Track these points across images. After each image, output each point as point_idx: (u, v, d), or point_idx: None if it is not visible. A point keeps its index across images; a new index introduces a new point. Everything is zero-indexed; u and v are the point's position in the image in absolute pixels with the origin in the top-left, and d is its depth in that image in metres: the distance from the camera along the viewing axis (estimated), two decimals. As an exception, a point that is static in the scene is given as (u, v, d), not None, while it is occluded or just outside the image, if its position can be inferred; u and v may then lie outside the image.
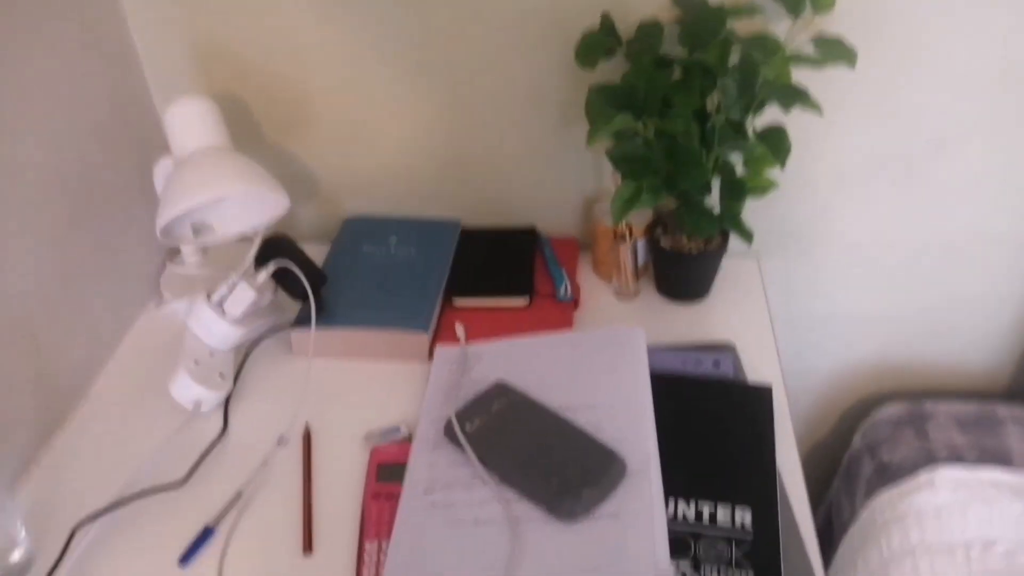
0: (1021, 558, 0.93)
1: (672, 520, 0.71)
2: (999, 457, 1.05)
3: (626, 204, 0.78)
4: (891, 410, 1.15)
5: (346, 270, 0.99)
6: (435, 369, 0.88)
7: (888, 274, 1.09)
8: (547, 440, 0.76)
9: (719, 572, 0.68)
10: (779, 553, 0.69)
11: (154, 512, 0.78)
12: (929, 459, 1.05)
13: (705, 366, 0.87)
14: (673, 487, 0.73)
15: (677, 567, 0.68)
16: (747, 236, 0.86)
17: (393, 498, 0.76)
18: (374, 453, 0.81)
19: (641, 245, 0.98)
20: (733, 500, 0.73)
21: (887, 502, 1.03)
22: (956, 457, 1.05)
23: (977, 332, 1.15)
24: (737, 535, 0.70)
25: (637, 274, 0.99)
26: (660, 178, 0.79)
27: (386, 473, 0.79)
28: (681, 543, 0.70)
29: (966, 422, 1.10)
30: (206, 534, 0.76)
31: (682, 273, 0.96)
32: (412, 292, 0.95)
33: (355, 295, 0.95)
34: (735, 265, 1.03)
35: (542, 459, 0.74)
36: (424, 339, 0.90)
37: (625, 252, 0.95)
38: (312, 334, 0.90)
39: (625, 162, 0.78)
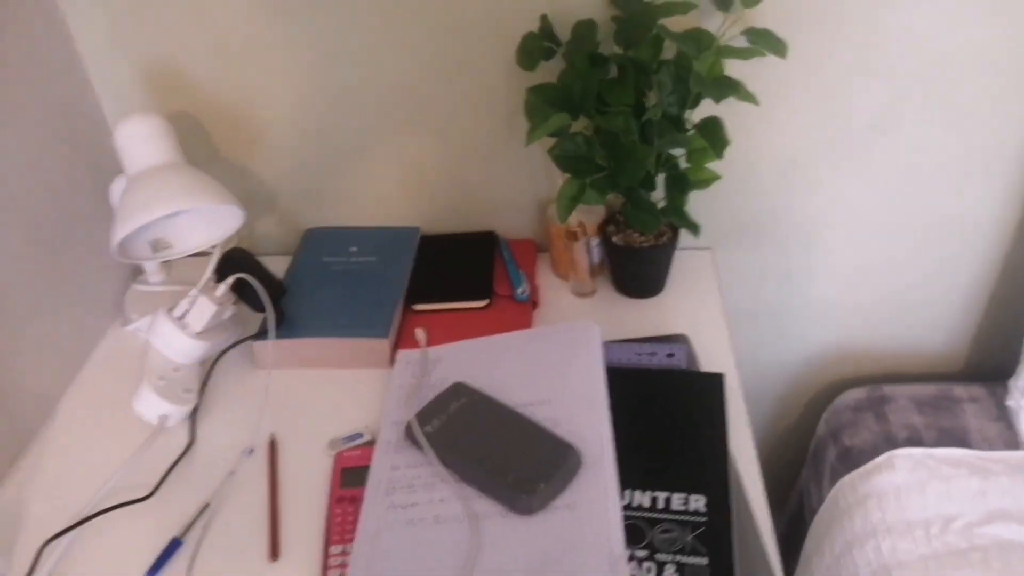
0: (979, 531, 0.95)
1: (627, 509, 0.73)
2: (956, 436, 1.07)
3: (570, 202, 0.80)
4: (852, 395, 1.17)
5: (307, 281, 1.00)
6: (396, 373, 0.90)
7: (842, 260, 1.12)
8: (504, 437, 0.78)
9: (674, 557, 0.69)
10: (731, 536, 0.70)
11: (122, 527, 0.79)
12: (888, 441, 1.08)
13: (659, 358, 0.89)
14: (629, 478, 0.75)
15: (632, 555, 0.70)
16: (693, 229, 0.89)
17: (357, 502, 0.77)
18: (338, 459, 0.82)
19: (595, 243, 1.00)
20: (687, 488, 0.74)
21: (849, 485, 1.05)
22: (915, 438, 1.07)
23: (933, 315, 1.18)
24: (691, 521, 0.72)
25: (593, 272, 1.00)
26: (603, 175, 0.81)
27: (350, 478, 0.80)
28: (636, 531, 0.71)
29: (924, 403, 1.13)
30: (174, 546, 0.77)
31: (636, 268, 0.98)
32: (373, 300, 0.96)
33: (316, 305, 0.96)
34: (689, 258, 1.05)
35: (500, 455, 0.76)
36: (385, 345, 0.92)
37: (579, 250, 0.97)
38: (272, 345, 0.91)
39: (567, 160, 0.80)
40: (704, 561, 0.69)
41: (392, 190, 1.07)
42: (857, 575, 0.96)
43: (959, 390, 1.14)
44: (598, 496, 0.72)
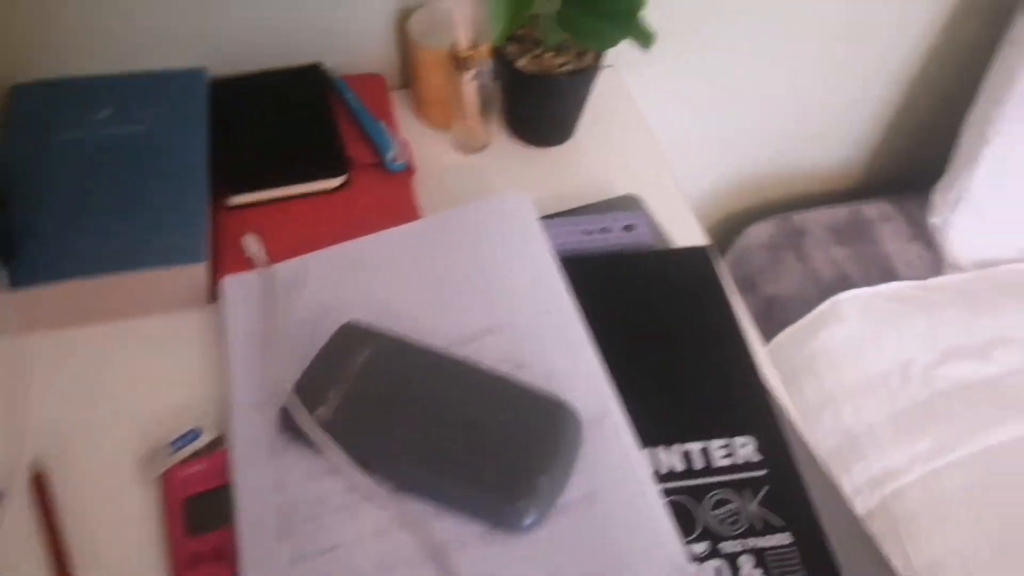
0: (936, 373, 0.84)
1: (658, 478, 0.49)
2: (881, 265, 0.94)
3: (519, 4, 0.48)
4: (761, 231, 1.00)
5: (34, 177, 0.59)
6: (231, 315, 0.56)
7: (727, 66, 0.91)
8: (454, 405, 0.49)
9: (744, 541, 0.47)
10: (805, 486, 0.50)
11: None
12: (818, 284, 0.92)
13: (615, 234, 0.63)
14: (640, 431, 0.51)
15: (691, 554, 0.47)
16: (646, 38, 0.61)
17: (224, 558, 0.46)
18: (170, 482, 0.49)
19: (486, 71, 0.68)
20: (724, 429, 0.52)
21: (789, 346, 0.89)
22: (843, 276, 0.93)
23: (827, 129, 1.02)
24: (746, 479, 0.50)
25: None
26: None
27: (201, 514, 0.48)
28: (680, 512, 0.48)
29: (840, 231, 0.98)
30: None
31: (549, 105, 0.69)
32: (158, 196, 0.59)
33: (61, 220, 0.57)
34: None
35: (454, 438, 0.47)
36: (199, 272, 0.57)
37: (470, 85, 0.66)
38: (3, 301, 0.53)
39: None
40: (787, 539, 0.48)
41: (153, 13, 0.66)
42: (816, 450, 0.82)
43: (868, 209, 1.00)
44: (620, 470, 0.47)
